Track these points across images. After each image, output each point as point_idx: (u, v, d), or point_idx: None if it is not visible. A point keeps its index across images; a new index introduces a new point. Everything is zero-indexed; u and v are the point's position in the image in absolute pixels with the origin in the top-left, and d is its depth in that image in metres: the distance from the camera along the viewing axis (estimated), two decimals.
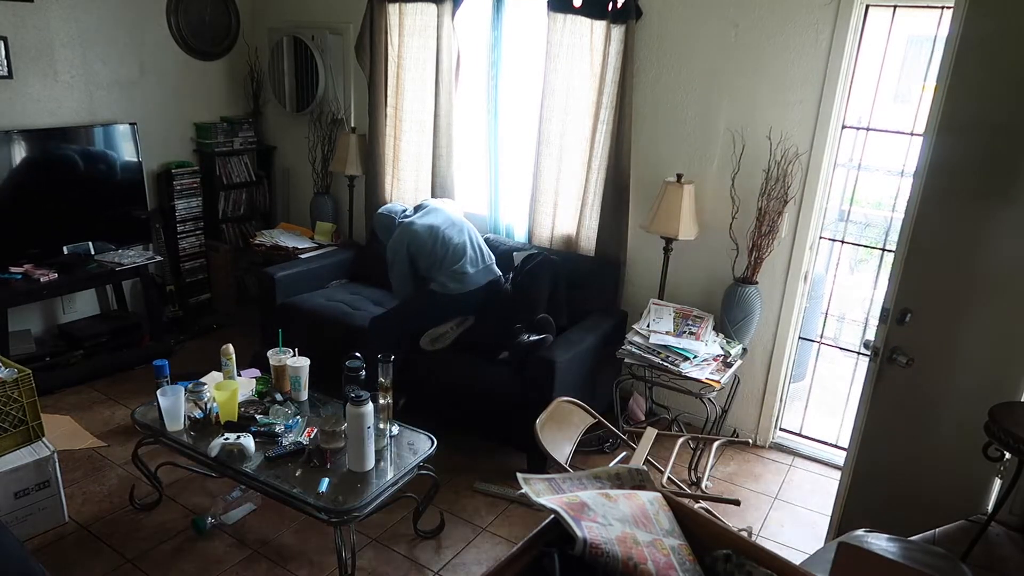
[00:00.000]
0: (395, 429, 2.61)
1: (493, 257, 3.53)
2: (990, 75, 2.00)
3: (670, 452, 2.81)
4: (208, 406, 2.64)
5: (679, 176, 3.27)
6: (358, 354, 2.68)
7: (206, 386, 2.67)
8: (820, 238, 3.35)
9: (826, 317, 4.18)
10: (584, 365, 3.23)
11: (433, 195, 4.06)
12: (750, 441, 3.54)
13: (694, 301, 3.51)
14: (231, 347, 2.83)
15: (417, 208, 3.64)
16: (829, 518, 2.48)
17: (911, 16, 3.07)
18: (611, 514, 1.35)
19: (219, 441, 2.46)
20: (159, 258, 4.17)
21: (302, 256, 4.16)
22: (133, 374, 3.91)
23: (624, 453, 3.14)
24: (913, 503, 2.36)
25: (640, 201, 3.53)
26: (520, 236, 3.93)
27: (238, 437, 2.47)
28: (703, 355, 3.12)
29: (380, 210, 3.68)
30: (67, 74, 3.88)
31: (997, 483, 2.47)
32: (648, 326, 3.29)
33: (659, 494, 1.47)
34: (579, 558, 1.25)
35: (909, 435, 2.33)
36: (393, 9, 3.92)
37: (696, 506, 2.43)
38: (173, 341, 4.20)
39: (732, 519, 2.93)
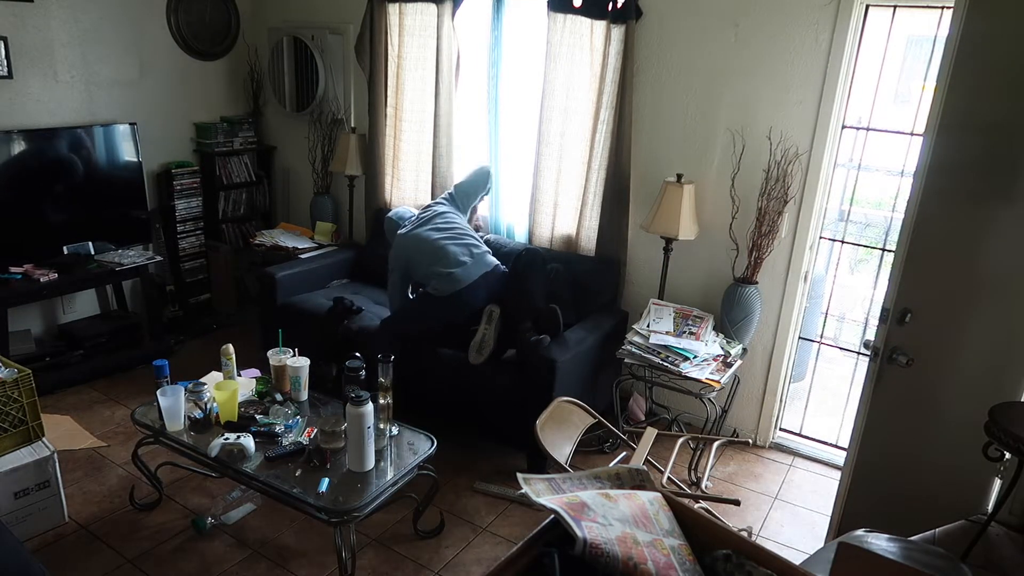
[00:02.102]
0: (395, 429, 2.62)
1: (485, 249, 3.43)
2: (990, 75, 2.00)
3: (670, 452, 2.81)
4: (208, 406, 2.65)
5: (679, 176, 3.27)
6: (358, 354, 2.68)
7: (206, 386, 2.67)
8: (820, 238, 3.35)
9: (826, 317, 4.18)
10: (584, 365, 3.23)
11: (433, 196, 4.04)
12: (750, 441, 3.54)
13: (694, 301, 3.51)
14: (231, 347, 2.84)
15: (421, 214, 3.63)
16: (829, 518, 2.48)
17: (911, 16, 3.08)
18: (611, 514, 1.35)
19: (219, 441, 2.46)
20: (159, 258, 4.17)
21: (302, 256, 4.16)
22: (133, 374, 3.91)
23: (624, 453, 3.14)
24: (913, 503, 2.36)
25: (640, 201, 3.53)
26: (520, 236, 3.93)
27: (238, 437, 2.47)
28: (703, 355, 3.12)
29: (389, 214, 3.81)
30: (67, 74, 3.88)
31: (997, 483, 2.47)
32: (648, 326, 3.29)
33: (659, 494, 1.47)
34: (579, 558, 1.25)
35: (909, 435, 2.33)
36: (393, 9, 3.92)
37: (696, 506, 2.43)
38: (173, 341, 4.20)
39: (732, 519, 2.93)
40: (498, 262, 3.41)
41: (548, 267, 3.42)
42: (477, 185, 3.71)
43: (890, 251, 2.64)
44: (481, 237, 3.63)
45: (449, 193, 3.73)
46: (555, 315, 3.15)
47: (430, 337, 3.33)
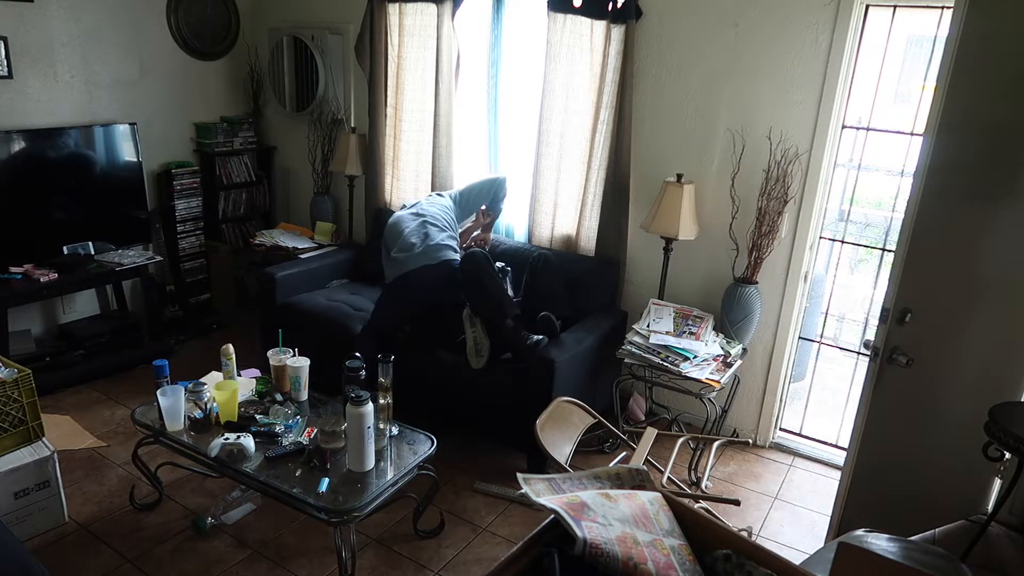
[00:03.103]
0: (395, 429, 2.62)
1: (444, 242, 3.40)
2: (990, 75, 2.01)
3: (670, 452, 2.81)
4: (208, 406, 2.64)
5: (679, 176, 3.27)
6: (358, 354, 2.68)
7: (206, 386, 2.67)
8: (820, 238, 3.35)
9: (826, 317, 4.18)
10: (584, 365, 3.23)
11: None
12: (750, 441, 3.54)
13: (694, 301, 3.51)
14: (231, 347, 2.83)
15: (415, 202, 3.71)
16: (829, 518, 2.48)
17: (911, 16, 3.07)
18: (611, 514, 1.35)
19: (219, 441, 2.46)
20: (159, 258, 4.17)
21: (302, 256, 4.16)
22: (133, 374, 3.91)
23: (624, 453, 3.14)
24: (913, 503, 2.36)
25: (640, 201, 3.53)
26: (520, 236, 3.93)
27: (238, 437, 2.47)
28: (703, 355, 3.12)
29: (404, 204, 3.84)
30: (67, 74, 3.88)
31: (997, 483, 2.47)
32: (648, 326, 3.29)
33: (659, 494, 1.47)
34: (579, 558, 1.25)
35: (909, 435, 2.33)
36: (393, 9, 3.92)
37: (696, 506, 2.43)
38: (173, 341, 4.20)
39: (732, 519, 2.93)
40: (449, 258, 3.35)
41: (535, 254, 3.42)
42: (482, 191, 3.68)
43: (890, 251, 2.64)
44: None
45: (458, 191, 3.74)
46: (549, 321, 3.16)
47: (408, 334, 3.32)
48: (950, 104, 1.92)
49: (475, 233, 3.73)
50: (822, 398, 4.08)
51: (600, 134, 3.46)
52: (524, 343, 3.04)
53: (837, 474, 3.14)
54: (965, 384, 2.32)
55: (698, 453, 3.19)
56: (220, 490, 2.94)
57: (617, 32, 3.30)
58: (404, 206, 3.72)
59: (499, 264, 3.33)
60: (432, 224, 3.45)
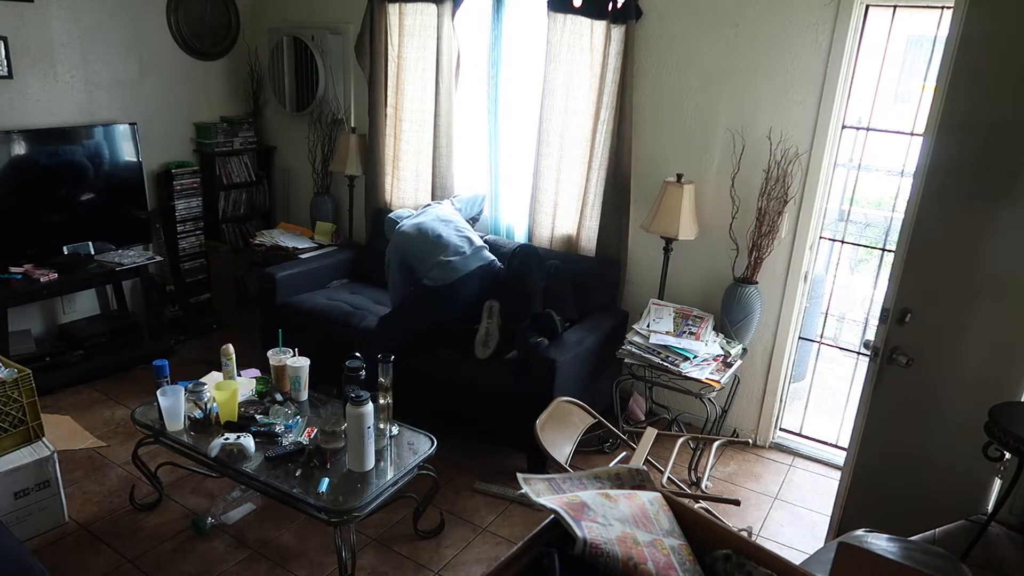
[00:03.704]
0: (395, 429, 2.62)
1: (482, 244, 3.52)
2: (990, 75, 2.01)
3: (670, 452, 2.81)
4: (208, 406, 2.65)
5: (679, 176, 3.27)
6: (358, 354, 2.68)
7: (206, 386, 2.67)
8: (820, 238, 3.35)
9: (826, 317, 4.18)
10: (584, 365, 3.23)
11: (433, 196, 4.07)
12: (750, 441, 3.54)
13: (694, 301, 3.51)
14: (231, 347, 2.84)
15: (422, 208, 3.75)
16: (829, 518, 2.48)
17: (911, 16, 3.08)
18: (611, 514, 1.35)
19: (219, 441, 2.46)
20: (159, 258, 4.17)
21: (302, 256, 4.16)
22: (133, 374, 3.91)
23: (624, 453, 3.14)
24: (913, 503, 2.36)
25: (640, 201, 3.53)
26: (520, 236, 3.93)
27: (238, 437, 2.47)
28: (703, 355, 3.12)
29: (389, 215, 3.85)
30: (67, 74, 3.88)
31: (997, 483, 2.47)
32: (648, 326, 3.29)
33: (659, 494, 1.47)
34: (579, 558, 1.25)
35: (909, 435, 2.33)
36: (393, 9, 3.92)
37: (696, 506, 2.43)
38: (173, 341, 4.20)
39: (732, 519, 2.93)
40: (494, 258, 3.48)
41: (549, 263, 3.43)
42: (475, 203, 3.89)
43: (890, 251, 2.64)
44: (481, 237, 3.65)
45: (459, 202, 3.86)
46: (551, 319, 3.16)
47: (426, 337, 3.33)
48: (950, 104, 1.92)
49: None
50: (822, 398, 4.08)
51: (600, 134, 3.46)
52: (528, 340, 3.05)
53: (837, 474, 3.14)
54: (965, 384, 2.32)
55: (698, 453, 3.19)
56: (220, 490, 2.94)
57: (617, 32, 3.30)
58: (410, 215, 3.70)
59: (553, 262, 3.47)
60: (466, 228, 3.56)
